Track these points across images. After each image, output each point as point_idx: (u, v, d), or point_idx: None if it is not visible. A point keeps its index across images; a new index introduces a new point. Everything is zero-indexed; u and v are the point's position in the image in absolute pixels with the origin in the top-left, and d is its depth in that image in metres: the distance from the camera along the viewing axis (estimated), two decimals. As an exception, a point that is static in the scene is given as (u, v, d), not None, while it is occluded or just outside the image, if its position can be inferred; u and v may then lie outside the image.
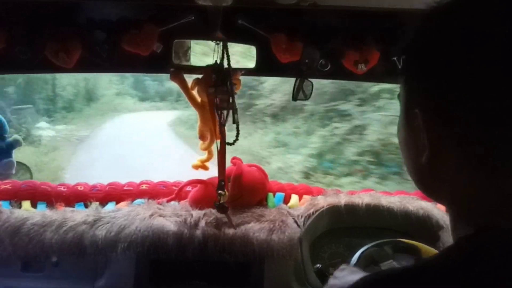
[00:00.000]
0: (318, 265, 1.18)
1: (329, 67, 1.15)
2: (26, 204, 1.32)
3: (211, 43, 1.04)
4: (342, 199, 1.29)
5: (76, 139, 8.55)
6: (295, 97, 1.20)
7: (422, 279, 0.37)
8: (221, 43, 1.02)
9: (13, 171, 1.55)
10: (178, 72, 1.15)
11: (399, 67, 1.11)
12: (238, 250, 1.16)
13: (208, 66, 1.07)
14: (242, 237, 1.17)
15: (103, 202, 1.35)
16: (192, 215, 1.20)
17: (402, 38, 1.10)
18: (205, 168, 1.28)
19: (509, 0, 0.39)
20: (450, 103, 0.40)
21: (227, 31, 1.03)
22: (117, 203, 1.35)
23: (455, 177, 0.41)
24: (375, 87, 4.70)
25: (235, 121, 1.08)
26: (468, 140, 0.39)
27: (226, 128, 1.11)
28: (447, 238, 1.23)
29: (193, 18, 1.01)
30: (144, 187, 1.39)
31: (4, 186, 1.34)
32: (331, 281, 0.76)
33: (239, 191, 1.25)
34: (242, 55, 1.10)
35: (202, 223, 1.18)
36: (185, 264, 1.20)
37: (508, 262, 0.36)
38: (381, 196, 1.33)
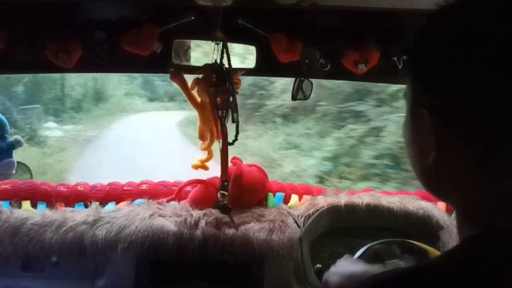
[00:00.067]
0: (318, 265, 1.18)
1: (329, 67, 1.15)
2: (26, 204, 1.31)
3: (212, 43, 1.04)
4: (342, 199, 1.29)
5: (84, 139, 8.44)
6: (294, 97, 1.20)
7: (425, 279, 0.37)
8: (221, 43, 1.02)
9: (14, 171, 1.55)
10: (178, 72, 1.15)
11: (399, 67, 1.11)
12: (238, 250, 1.16)
13: (208, 66, 1.07)
14: (242, 237, 1.17)
15: (103, 202, 1.35)
16: (192, 215, 1.20)
17: (402, 38, 1.10)
18: (205, 168, 1.28)
19: None
20: (457, 104, 0.40)
21: (227, 31, 1.03)
22: (117, 203, 1.35)
23: (461, 177, 0.41)
24: (393, 87, 4.42)
25: (235, 120, 1.08)
26: (475, 141, 0.39)
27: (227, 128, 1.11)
28: (447, 238, 1.23)
29: (193, 18, 1.01)
30: (144, 187, 1.39)
31: (4, 186, 1.34)
32: (332, 268, 0.77)
33: (239, 191, 1.25)
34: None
35: (202, 223, 1.18)
36: (185, 264, 1.20)
37: (509, 262, 0.36)
38: (381, 196, 1.33)
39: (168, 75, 1.15)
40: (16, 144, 1.65)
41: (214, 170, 1.27)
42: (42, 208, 1.30)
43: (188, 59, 1.10)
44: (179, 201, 1.32)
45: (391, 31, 1.10)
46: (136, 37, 1.00)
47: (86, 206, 1.33)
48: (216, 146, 1.18)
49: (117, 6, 1.02)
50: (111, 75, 10.87)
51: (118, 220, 1.18)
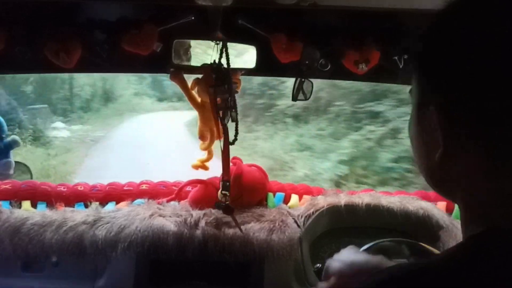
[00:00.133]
0: (318, 265, 1.18)
1: (329, 67, 1.15)
2: (26, 204, 1.31)
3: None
4: (342, 199, 1.29)
5: (91, 140, 8.31)
6: (295, 98, 1.20)
7: (425, 279, 0.37)
8: (221, 43, 1.02)
9: (11, 172, 1.55)
10: (178, 72, 1.15)
11: (400, 66, 1.11)
12: (238, 250, 1.16)
13: (207, 66, 1.07)
14: (242, 237, 1.17)
15: (103, 202, 1.35)
16: (192, 215, 1.20)
17: (403, 38, 1.10)
18: (205, 168, 1.28)
19: None
20: (465, 101, 0.40)
21: (227, 31, 1.03)
22: (117, 203, 1.35)
23: (467, 176, 0.41)
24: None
25: (234, 120, 1.08)
26: (481, 139, 0.39)
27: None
28: (447, 238, 1.23)
29: (193, 18, 1.01)
30: (144, 187, 1.39)
31: (4, 186, 1.34)
32: (335, 255, 0.77)
33: (239, 191, 1.25)
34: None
35: (202, 223, 1.18)
36: (185, 264, 1.20)
37: (508, 262, 0.36)
38: (381, 196, 1.33)
39: (168, 75, 1.15)
40: (13, 144, 1.65)
41: (214, 170, 1.27)
42: (42, 208, 1.30)
43: (189, 59, 1.10)
44: (179, 201, 1.32)
45: (391, 31, 1.10)
46: (136, 37, 1.00)
47: (86, 206, 1.33)
48: (217, 146, 1.18)
49: (117, 6, 1.02)
50: (120, 75, 10.79)
51: (118, 220, 1.18)
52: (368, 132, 4.76)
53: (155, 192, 1.37)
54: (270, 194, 1.38)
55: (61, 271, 1.18)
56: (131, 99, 12.54)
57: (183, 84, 1.16)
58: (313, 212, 1.26)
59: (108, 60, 1.04)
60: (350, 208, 1.28)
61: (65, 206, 1.31)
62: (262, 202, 1.34)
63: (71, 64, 1.01)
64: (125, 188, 1.39)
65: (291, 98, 1.23)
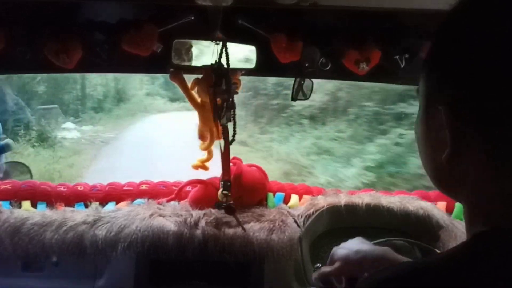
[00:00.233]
0: (318, 264, 1.17)
1: (329, 66, 1.14)
2: (26, 204, 1.32)
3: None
4: (342, 199, 1.29)
5: (101, 141, 8.17)
6: (294, 98, 1.19)
7: (425, 278, 0.37)
8: (220, 43, 1.02)
9: (1, 175, 1.54)
10: (177, 72, 1.14)
11: (401, 66, 1.11)
12: (238, 250, 1.16)
13: (207, 66, 1.07)
14: (242, 237, 1.17)
15: (103, 202, 1.35)
16: (192, 215, 1.20)
17: (403, 38, 1.10)
18: (205, 168, 1.28)
19: None
20: (474, 100, 0.39)
21: (227, 31, 1.03)
22: (117, 203, 1.35)
23: (473, 176, 0.41)
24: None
25: (229, 120, 1.08)
26: (490, 138, 0.39)
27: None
28: (447, 238, 1.23)
29: (192, 18, 1.01)
30: (144, 187, 1.39)
31: (4, 186, 1.34)
32: (342, 244, 0.78)
33: (239, 191, 1.25)
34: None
35: (202, 223, 1.18)
36: (185, 264, 1.20)
37: (508, 262, 0.36)
38: (381, 196, 1.33)
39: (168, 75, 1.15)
40: (6, 148, 1.65)
41: (214, 170, 1.27)
42: (42, 208, 1.30)
43: (190, 59, 1.10)
44: (179, 201, 1.32)
45: (391, 31, 1.10)
46: (136, 37, 1.00)
47: (86, 206, 1.33)
48: (218, 146, 1.18)
49: (117, 7, 1.02)
50: (133, 75, 10.73)
51: (118, 220, 1.18)
52: (398, 135, 4.40)
53: (155, 192, 1.37)
54: (270, 194, 1.38)
55: (61, 271, 1.18)
56: (143, 99, 12.46)
57: (183, 84, 1.16)
58: (313, 212, 1.26)
59: (108, 60, 1.04)
60: (350, 208, 1.28)
61: (65, 206, 1.31)
62: (262, 202, 1.34)
63: (71, 64, 1.01)
64: (125, 188, 1.39)
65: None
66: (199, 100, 1.18)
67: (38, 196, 1.34)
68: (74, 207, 1.32)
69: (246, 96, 7.42)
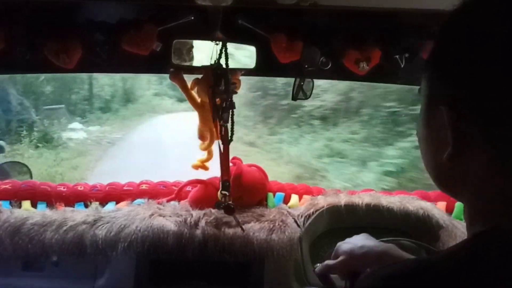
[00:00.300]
0: (318, 264, 1.18)
1: (329, 66, 1.14)
2: (26, 204, 1.32)
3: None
4: (342, 199, 1.29)
5: (108, 142, 7.99)
6: (295, 97, 1.19)
7: (427, 276, 0.37)
8: (220, 43, 1.02)
9: None
10: (177, 72, 1.14)
11: (402, 65, 1.11)
12: (238, 250, 1.16)
13: (207, 66, 1.07)
14: (242, 237, 1.17)
15: (103, 202, 1.35)
16: (192, 215, 1.20)
17: (403, 38, 1.10)
18: (205, 168, 1.28)
19: None
20: (476, 100, 0.40)
21: (227, 31, 1.03)
22: (117, 203, 1.35)
23: (474, 175, 0.41)
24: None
25: (226, 121, 1.08)
26: (491, 138, 0.39)
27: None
28: (447, 238, 1.23)
29: (192, 18, 1.01)
30: (144, 187, 1.39)
31: (4, 186, 1.34)
32: (347, 239, 0.79)
33: (239, 191, 1.25)
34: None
35: (202, 223, 1.18)
36: (185, 264, 1.20)
37: (508, 261, 0.36)
38: (381, 196, 1.33)
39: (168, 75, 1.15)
40: None
41: (214, 170, 1.27)
42: (42, 208, 1.31)
43: (191, 59, 1.10)
44: (179, 201, 1.32)
45: (391, 30, 1.10)
46: (136, 37, 1.00)
47: (86, 206, 1.33)
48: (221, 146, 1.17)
49: (117, 6, 1.02)
50: (141, 75, 10.65)
51: (118, 220, 1.19)
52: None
53: (155, 192, 1.37)
54: (270, 194, 1.38)
55: (61, 270, 1.18)
56: (151, 100, 12.28)
57: (182, 84, 1.16)
58: (313, 212, 1.26)
59: (108, 60, 1.04)
60: (350, 208, 1.28)
61: (65, 206, 1.31)
62: (262, 202, 1.34)
63: (71, 64, 1.01)
64: (125, 188, 1.39)
65: (291, 98, 1.23)
66: (199, 100, 1.18)
67: (38, 196, 1.34)
68: (74, 207, 1.33)
69: (255, 96, 7.29)
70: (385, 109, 4.70)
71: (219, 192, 1.20)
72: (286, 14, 1.06)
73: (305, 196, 1.40)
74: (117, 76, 9.59)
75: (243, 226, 1.19)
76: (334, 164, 5.04)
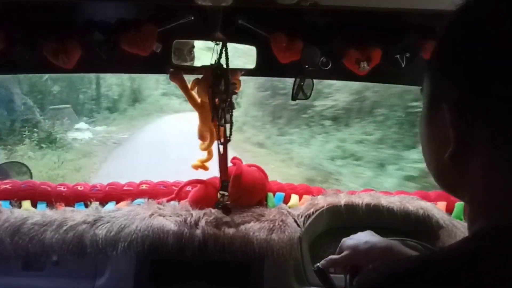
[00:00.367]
0: (318, 264, 1.18)
1: (330, 66, 1.14)
2: (26, 204, 1.32)
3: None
4: (342, 199, 1.29)
5: (114, 142, 7.87)
6: (295, 97, 1.19)
7: (430, 273, 0.37)
8: (220, 43, 1.02)
9: None
10: (177, 72, 1.14)
11: (402, 65, 1.11)
12: (238, 250, 1.16)
13: (207, 67, 1.07)
14: (242, 236, 1.17)
15: (103, 202, 1.35)
16: (192, 215, 1.20)
17: (404, 37, 1.10)
18: (205, 168, 1.28)
19: None
20: (479, 99, 0.40)
21: (227, 31, 1.02)
22: (117, 203, 1.35)
23: (477, 174, 0.41)
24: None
25: (227, 122, 1.08)
26: (493, 137, 0.39)
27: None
28: (447, 238, 1.23)
29: (192, 18, 1.00)
30: (144, 187, 1.39)
31: (4, 186, 1.34)
32: (351, 235, 0.81)
33: (238, 191, 1.26)
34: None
35: (202, 223, 1.18)
36: (185, 264, 1.20)
37: (508, 260, 0.36)
38: (381, 196, 1.33)
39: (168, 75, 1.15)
40: None
41: (215, 170, 1.27)
42: (42, 208, 1.31)
43: (192, 59, 1.10)
44: (179, 201, 1.32)
45: (392, 30, 1.09)
46: (136, 37, 1.00)
47: (86, 206, 1.33)
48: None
49: (117, 7, 1.02)
50: (149, 74, 10.58)
51: (118, 219, 1.19)
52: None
53: (155, 192, 1.37)
54: (270, 194, 1.38)
55: (62, 270, 1.18)
56: (159, 99, 12.17)
57: (182, 84, 1.16)
58: (313, 212, 1.26)
59: (108, 60, 1.04)
60: (350, 208, 1.28)
61: (65, 206, 1.31)
62: (262, 202, 1.34)
63: (71, 64, 1.01)
64: (125, 188, 1.39)
65: (291, 98, 1.23)
66: (199, 100, 1.18)
67: (38, 196, 1.34)
68: (74, 207, 1.33)
69: (264, 96, 7.20)
70: (402, 109, 4.52)
71: (218, 192, 1.20)
72: (286, 14, 1.06)
73: (305, 196, 1.40)
74: (125, 75, 9.53)
75: (243, 226, 1.19)
76: (348, 166, 4.84)
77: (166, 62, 1.06)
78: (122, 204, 1.33)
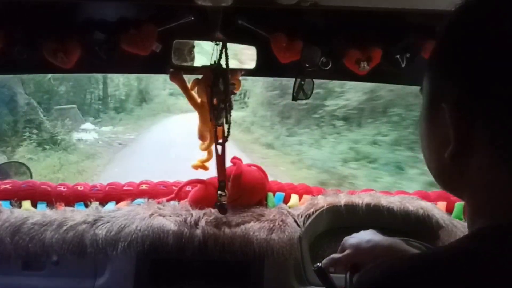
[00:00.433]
0: (318, 264, 1.18)
1: (330, 66, 1.14)
2: (26, 203, 1.32)
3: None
4: (342, 199, 1.29)
5: (119, 143, 7.69)
6: (295, 98, 1.19)
7: (431, 272, 0.37)
8: (220, 44, 1.02)
9: None
10: (177, 72, 1.14)
11: (402, 65, 1.11)
12: (238, 250, 1.16)
13: (207, 67, 1.07)
14: (242, 236, 1.17)
15: (103, 202, 1.35)
16: (192, 215, 1.20)
17: (404, 37, 1.10)
18: (204, 168, 1.28)
19: None
20: (481, 100, 0.40)
21: (227, 31, 1.02)
22: (117, 203, 1.35)
23: (477, 174, 0.41)
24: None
25: (227, 122, 1.08)
26: (493, 135, 0.39)
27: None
28: (447, 238, 1.23)
29: (192, 18, 1.00)
30: (144, 187, 1.39)
31: (4, 186, 1.34)
32: (353, 234, 0.81)
33: (238, 191, 1.26)
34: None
35: (202, 223, 1.18)
36: (185, 264, 1.20)
37: (507, 259, 0.36)
38: (381, 196, 1.33)
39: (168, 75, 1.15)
40: None
41: (214, 170, 1.27)
42: (42, 208, 1.31)
43: (192, 59, 1.10)
44: (179, 201, 1.32)
45: (392, 31, 1.09)
46: (136, 37, 1.00)
47: (86, 206, 1.33)
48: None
49: (117, 6, 1.02)
50: (156, 74, 10.48)
51: (118, 219, 1.19)
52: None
53: (155, 192, 1.37)
54: (270, 194, 1.38)
55: (62, 270, 1.19)
56: (166, 99, 12.03)
57: (182, 84, 1.16)
58: (313, 212, 1.27)
59: (107, 60, 1.04)
60: (350, 208, 1.28)
61: (65, 205, 1.31)
62: (262, 201, 1.35)
63: (70, 64, 1.01)
64: (125, 188, 1.39)
65: (291, 98, 1.23)
66: (199, 100, 1.18)
67: (38, 196, 1.34)
68: (74, 206, 1.33)
69: (272, 95, 7.07)
70: (419, 109, 4.46)
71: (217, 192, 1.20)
72: (286, 14, 1.05)
73: (305, 196, 1.40)
74: (132, 75, 9.47)
75: (243, 226, 1.19)
76: (363, 169, 4.56)
77: (166, 62, 1.06)
78: (122, 204, 1.33)
